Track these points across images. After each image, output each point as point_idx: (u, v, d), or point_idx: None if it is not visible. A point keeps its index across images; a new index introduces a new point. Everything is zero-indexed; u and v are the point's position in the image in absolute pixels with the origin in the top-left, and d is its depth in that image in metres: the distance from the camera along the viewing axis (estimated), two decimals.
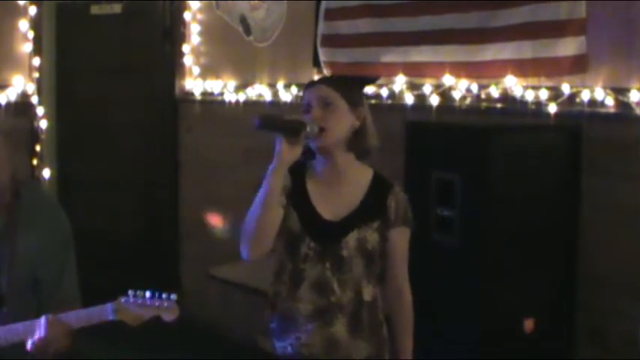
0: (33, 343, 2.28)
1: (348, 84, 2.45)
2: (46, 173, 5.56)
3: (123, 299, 2.38)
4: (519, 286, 3.12)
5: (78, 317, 2.36)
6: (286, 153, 2.25)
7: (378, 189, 2.42)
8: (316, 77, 2.54)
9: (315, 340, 2.35)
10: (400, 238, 2.44)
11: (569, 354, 3.40)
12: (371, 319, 2.40)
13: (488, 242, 3.10)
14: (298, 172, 2.40)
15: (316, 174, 2.43)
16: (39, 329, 2.27)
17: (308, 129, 2.26)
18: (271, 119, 2.27)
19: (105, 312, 2.37)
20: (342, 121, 2.36)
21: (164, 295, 2.41)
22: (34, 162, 5.51)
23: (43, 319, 2.28)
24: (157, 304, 2.39)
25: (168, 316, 2.39)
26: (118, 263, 5.40)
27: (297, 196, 2.39)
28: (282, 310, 2.40)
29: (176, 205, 5.55)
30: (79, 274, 2.62)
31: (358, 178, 2.43)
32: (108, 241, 5.48)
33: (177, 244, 5.49)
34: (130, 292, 2.39)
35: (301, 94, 4.47)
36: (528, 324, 3.16)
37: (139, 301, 2.38)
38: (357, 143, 2.40)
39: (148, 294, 2.39)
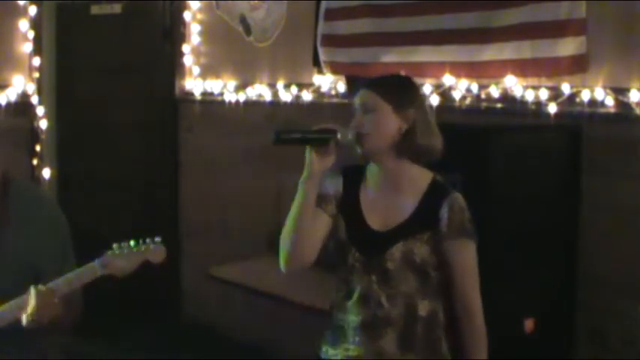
0: (26, 316, 2.29)
1: (393, 85, 2.33)
2: (46, 173, 5.56)
3: (108, 252, 2.39)
4: (519, 286, 3.12)
5: (67, 281, 2.36)
6: (316, 163, 2.20)
7: (434, 197, 2.27)
8: (358, 80, 2.47)
9: (363, 353, 2.28)
10: (459, 252, 2.26)
11: (569, 354, 3.40)
12: (426, 335, 2.29)
13: (488, 242, 3.09)
14: (354, 177, 2.33)
15: (370, 180, 2.34)
16: (30, 301, 2.28)
17: (339, 136, 2.19)
18: (288, 133, 2.20)
19: (94, 269, 2.37)
20: (385, 126, 2.23)
21: (148, 240, 2.42)
22: (34, 162, 5.50)
23: (32, 290, 2.28)
24: (142, 249, 2.40)
25: (156, 259, 2.41)
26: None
27: (347, 204, 2.32)
28: (335, 319, 2.35)
29: (176, 205, 5.55)
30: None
31: (413, 184, 2.29)
32: (108, 240, 5.47)
33: (177, 244, 5.49)
34: (115, 245, 2.39)
35: (302, 94, 4.53)
36: (528, 324, 3.16)
37: (125, 251, 2.39)
38: (407, 146, 2.25)
39: (132, 242, 2.40)
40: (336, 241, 2.31)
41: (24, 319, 2.30)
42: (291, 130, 2.22)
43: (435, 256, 2.25)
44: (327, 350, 2.37)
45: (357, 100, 2.30)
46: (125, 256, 2.38)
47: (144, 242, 2.42)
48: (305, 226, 2.24)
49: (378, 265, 2.25)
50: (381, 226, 2.28)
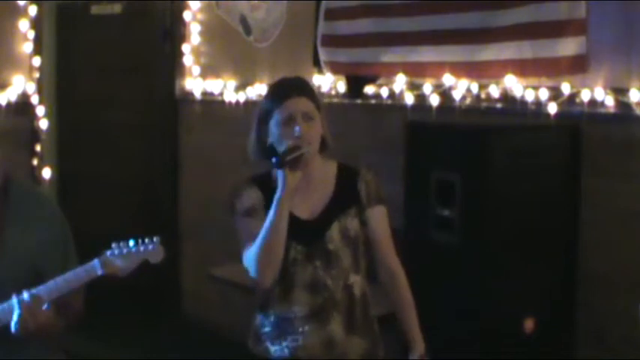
0: (13, 324, 2.29)
1: (313, 90, 2.48)
2: (46, 173, 5.56)
3: (108, 252, 2.40)
4: (519, 286, 3.12)
5: (66, 282, 2.36)
6: (292, 181, 2.29)
7: (346, 177, 2.45)
8: (287, 81, 2.52)
9: (313, 341, 2.36)
10: (378, 217, 2.44)
11: (569, 354, 3.40)
12: (363, 316, 2.42)
13: (488, 242, 3.11)
14: (267, 183, 2.41)
15: (280, 180, 2.39)
16: (14, 309, 2.28)
17: (305, 150, 2.29)
18: (287, 154, 2.28)
19: (93, 269, 2.38)
20: (319, 133, 2.39)
21: (147, 240, 2.43)
22: (34, 162, 5.50)
23: (14, 299, 2.28)
24: (141, 249, 2.42)
25: (155, 258, 2.43)
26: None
27: (270, 207, 2.37)
28: (276, 314, 2.41)
29: (176, 205, 5.55)
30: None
31: (325, 173, 2.45)
32: (108, 240, 5.47)
33: (177, 244, 5.49)
34: (114, 245, 2.41)
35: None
36: (528, 324, 3.16)
37: (124, 251, 2.41)
38: (324, 147, 2.43)
39: (131, 242, 2.41)
40: None
41: (12, 326, 2.30)
42: (285, 152, 2.30)
43: (363, 229, 2.42)
44: (268, 347, 2.43)
45: (296, 108, 2.35)
46: (124, 255, 2.40)
47: (143, 242, 2.43)
48: (282, 242, 2.32)
49: (320, 250, 2.37)
50: (310, 215, 2.41)
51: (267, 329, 2.43)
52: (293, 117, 2.34)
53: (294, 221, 2.35)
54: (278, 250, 2.32)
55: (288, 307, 2.38)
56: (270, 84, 2.65)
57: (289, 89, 2.43)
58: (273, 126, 2.38)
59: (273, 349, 2.41)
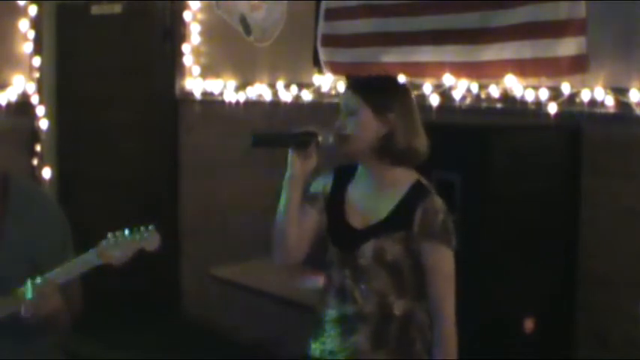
0: (24, 309, 2.29)
1: (376, 88, 2.35)
2: (46, 173, 5.56)
3: (103, 242, 2.40)
4: (519, 286, 3.12)
5: (63, 272, 2.37)
6: (297, 165, 2.27)
7: (413, 198, 2.30)
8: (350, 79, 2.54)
9: (337, 347, 2.35)
10: (429, 255, 2.28)
11: (569, 354, 3.40)
12: (401, 334, 2.32)
13: (488, 242, 3.11)
14: (345, 176, 2.38)
15: (359, 180, 2.40)
16: (27, 293, 2.29)
17: (320, 138, 2.26)
18: (264, 137, 2.28)
19: (89, 259, 2.38)
20: (364, 129, 2.27)
21: (142, 228, 2.44)
22: (34, 162, 5.50)
23: (28, 283, 2.29)
24: (137, 237, 2.42)
25: (151, 246, 2.43)
26: (114, 268, 5.40)
27: (334, 202, 2.39)
28: (318, 314, 2.42)
29: (176, 205, 5.55)
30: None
31: (395, 185, 2.32)
32: None
33: (177, 244, 5.49)
34: (109, 234, 2.41)
35: (302, 94, 4.53)
36: (528, 324, 3.16)
37: (120, 240, 2.40)
38: (386, 150, 2.28)
39: (126, 231, 2.41)
40: (322, 237, 2.41)
41: (22, 311, 2.30)
42: (269, 133, 2.32)
43: (411, 257, 2.29)
44: (311, 345, 2.44)
45: (342, 101, 2.37)
46: (120, 245, 2.40)
47: (138, 231, 2.44)
48: (291, 224, 2.32)
49: (351, 260, 2.32)
50: (360, 224, 2.34)
51: (314, 327, 2.44)
52: (340, 110, 2.35)
53: (340, 223, 2.35)
54: (285, 230, 2.32)
55: (324, 309, 2.40)
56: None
57: (346, 85, 2.46)
58: None
59: (312, 346, 2.42)
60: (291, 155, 2.28)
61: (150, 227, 2.45)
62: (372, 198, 2.34)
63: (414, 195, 2.30)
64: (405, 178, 2.34)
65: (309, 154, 2.27)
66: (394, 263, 2.29)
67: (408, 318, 2.32)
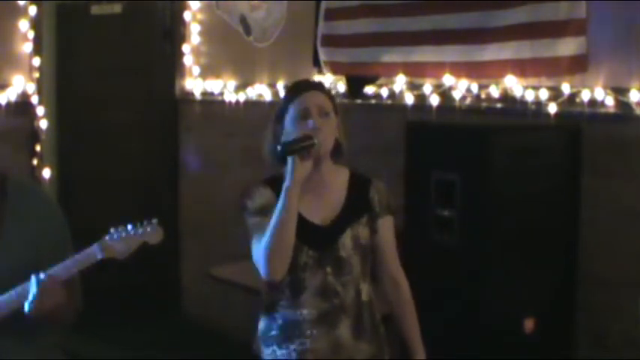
0: (29, 304, 2.29)
1: (331, 91, 2.50)
2: (46, 173, 5.56)
3: (107, 237, 2.41)
4: (519, 286, 3.12)
5: (67, 267, 2.37)
6: (300, 170, 2.27)
7: (358, 185, 2.45)
8: (306, 79, 2.57)
9: (320, 345, 2.34)
10: (386, 227, 2.46)
11: (569, 354, 3.40)
12: (371, 320, 2.42)
13: (488, 242, 3.11)
14: (279, 186, 2.35)
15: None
16: (31, 288, 2.29)
17: (315, 141, 2.26)
18: (291, 144, 2.26)
19: (93, 253, 2.39)
20: (334, 131, 2.37)
21: (145, 222, 2.45)
22: (34, 162, 5.50)
23: (33, 278, 2.29)
24: (140, 231, 2.43)
25: (154, 239, 2.45)
26: (118, 262, 5.41)
27: None
28: (284, 317, 2.39)
29: (176, 205, 5.55)
30: (79, 273, 2.62)
31: (337, 179, 2.44)
32: None
33: (178, 244, 5.50)
34: (112, 229, 2.43)
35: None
36: (528, 324, 3.16)
37: (123, 234, 2.42)
38: (337, 150, 2.41)
39: (129, 226, 2.43)
40: None
41: (26, 307, 2.30)
42: (291, 141, 2.27)
43: (372, 238, 2.43)
44: (275, 351, 2.41)
45: (311, 102, 2.34)
46: (123, 239, 2.41)
47: (141, 225, 2.44)
48: (292, 234, 2.29)
49: (331, 256, 2.36)
50: (322, 221, 2.39)
51: (273, 332, 2.40)
52: (308, 110, 2.33)
53: (306, 225, 2.34)
54: (287, 242, 2.28)
55: (296, 310, 2.36)
56: (287, 84, 2.68)
57: (305, 85, 2.47)
58: (288, 123, 2.34)
59: (280, 352, 2.39)
60: (295, 162, 2.25)
61: (153, 220, 2.47)
62: (321, 196, 2.40)
63: (359, 182, 2.46)
64: (341, 171, 2.47)
65: (308, 158, 2.28)
66: (365, 247, 2.41)
67: (371, 303, 2.44)
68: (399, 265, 2.49)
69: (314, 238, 2.36)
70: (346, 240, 2.37)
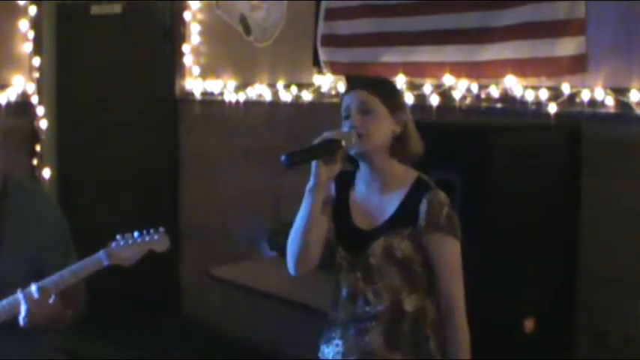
0: (22, 319, 2.29)
1: (387, 89, 2.41)
2: (46, 173, 5.56)
3: (113, 244, 2.43)
4: (519, 286, 3.12)
5: (73, 272, 2.38)
6: (323, 173, 2.25)
7: (416, 193, 2.32)
8: (352, 80, 2.53)
9: (351, 349, 2.34)
10: (437, 248, 2.30)
11: (569, 354, 3.40)
12: (413, 333, 2.31)
13: (488, 242, 3.10)
14: (346, 181, 2.38)
15: (359, 183, 2.40)
16: (21, 303, 2.29)
17: (344, 143, 2.24)
18: (299, 154, 2.23)
19: (99, 260, 2.41)
20: (382, 127, 2.30)
21: (152, 230, 2.46)
22: (34, 162, 5.50)
23: (20, 295, 2.29)
24: (147, 239, 2.45)
25: (160, 248, 2.46)
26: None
27: (338, 206, 2.39)
28: (329, 318, 2.43)
29: (176, 204, 5.55)
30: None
31: (399, 183, 2.35)
32: (108, 240, 5.47)
33: (177, 244, 5.49)
34: (118, 236, 2.44)
35: (302, 94, 4.53)
36: (528, 324, 3.16)
37: (130, 242, 2.43)
38: (399, 149, 2.34)
39: (136, 233, 2.44)
40: (328, 242, 2.39)
41: (20, 321, 2.30)
42: (300, 151, 2.25)
43: (420, 252, 2.31)
44: (323, 349, 2.43)
45: (352, 101, 2.34)
46: (130, 246, 2.43)
47: (147, 233, 2.46)
48: (313, 233, 2.30)
49: (362, 261, 2.32)
50: (368, 226, 2.35)
51: (324, 331, 2.44)
52: (349, 109, 2.33)
53: (348, 227, 2.35)
54: (303, 240, 2.29)
55: (335, 312, 2.39)
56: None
57: (350, 83, 2.47)
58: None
59: (326, 350, 2.41)
60: (318, 165, 2.25)
61: (160, 229, 2.48)
62: (377, 199, 2.36)
63: (417, 190, 2.33)
64: (407, 175, 2.37)
65: (334, 161, 2.26)
66: (404, 260, 2.30)
67: (419, 315, 2.32)
68: (455, 294, 2.31)
69: (349, 241, 2.35)
70: (377, 248, 2.30)
